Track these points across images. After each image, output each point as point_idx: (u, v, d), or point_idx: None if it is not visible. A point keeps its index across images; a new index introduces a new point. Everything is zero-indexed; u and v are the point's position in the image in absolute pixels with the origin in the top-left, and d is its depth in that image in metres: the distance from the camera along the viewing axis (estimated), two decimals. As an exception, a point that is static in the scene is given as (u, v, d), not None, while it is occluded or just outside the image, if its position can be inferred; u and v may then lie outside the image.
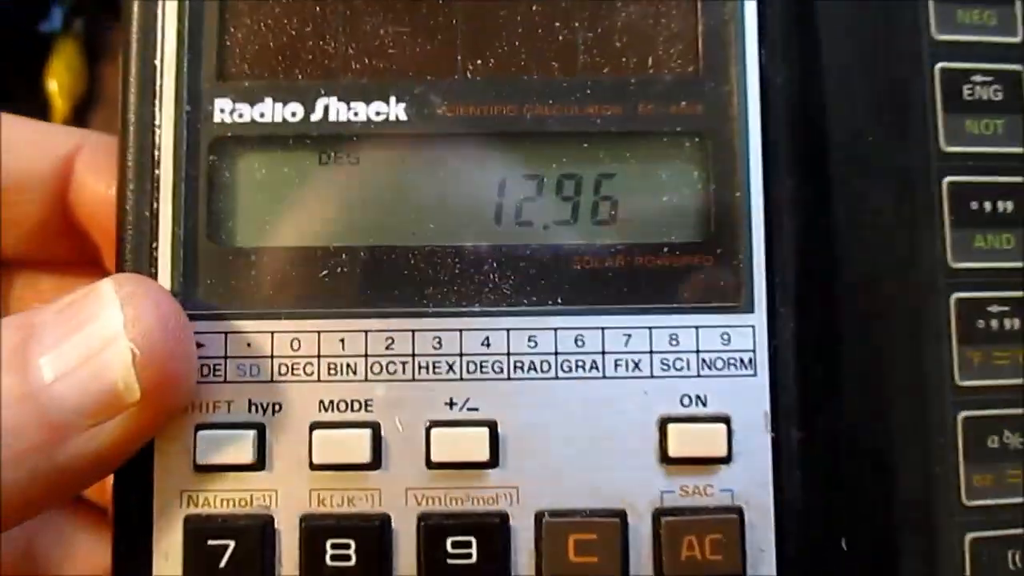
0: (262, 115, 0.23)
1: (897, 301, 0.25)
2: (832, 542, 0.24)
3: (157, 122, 0.23)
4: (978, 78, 0.27)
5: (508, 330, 0.22)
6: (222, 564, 0.22)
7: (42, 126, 0.26)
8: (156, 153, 0.23)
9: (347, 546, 0.22)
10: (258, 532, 0.22)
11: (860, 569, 0.24)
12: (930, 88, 0.26)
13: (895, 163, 0.26)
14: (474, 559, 0.22)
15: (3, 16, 0.41)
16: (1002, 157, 0.26)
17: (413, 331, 0.23)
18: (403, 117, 0.23)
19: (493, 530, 0.22)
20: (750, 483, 0.22)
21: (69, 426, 0.20)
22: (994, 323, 0.26)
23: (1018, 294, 0.26)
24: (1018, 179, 0.26)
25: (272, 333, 0.23)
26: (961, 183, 0.26)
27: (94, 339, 0.20)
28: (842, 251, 0.25)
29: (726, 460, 0.22)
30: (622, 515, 0.22)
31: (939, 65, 0.26)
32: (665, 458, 0.22)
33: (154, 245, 0.23)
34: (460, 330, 0.22)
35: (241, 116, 0.23)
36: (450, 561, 0.22)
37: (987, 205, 0.27)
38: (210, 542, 0.22)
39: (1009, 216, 0.27)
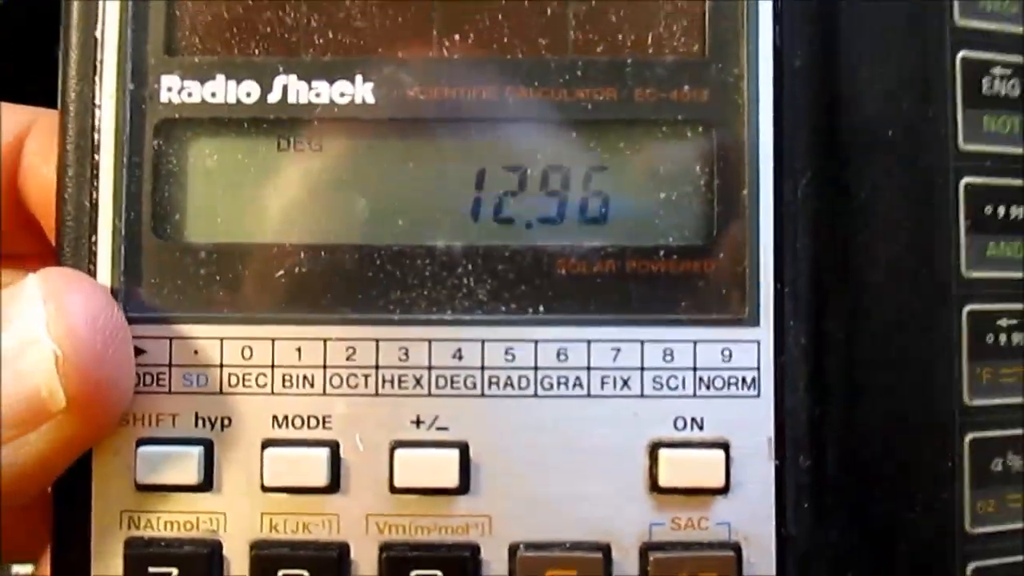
0: (214, 95, 0.19)
1: (910, 311, 0.20)
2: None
3: (97, 101, 0.19)
4: (998, 71, 0.21)
5: (483, 341, 0.18)
6: (164, 594, 0.18)
7: None
8: (96, 136, 0.19)
9: (300, 577, 0.18)
10: (204, 560, 0.18)
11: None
12: (951, 79, 0.21)
13: (914, 161, 0.20)
14: (441, 595, 0.18)
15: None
16: (1017, 159, 0.21)
17: (377, 340, 0.18)
18: (370, 99, 0.19)
19: (462, 563, 0.18)
20: (750, 516, 0.18)
21: None
22: (1003, 338, 0.21)
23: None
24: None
25: (221, 340, 0.19)
26: (978, 185, 0.21)
27: (14, 340, 0.17)
28: (855, 256, 0.20)
29: (723, 490, 0.18)
30: (606, 549, 0.18)
31: (960, 54, 0.21)
32: (655, 487, 0.18)
33: (93, 239, 0.19)
34: (429, 340, 0.18)
35: (190, 95, 0.19)
36: (414, 596, 0.18)
37: (1001, 210, 0.21)
38: (152, 569, 0.18)
39: (1021, 223, 0.21)
